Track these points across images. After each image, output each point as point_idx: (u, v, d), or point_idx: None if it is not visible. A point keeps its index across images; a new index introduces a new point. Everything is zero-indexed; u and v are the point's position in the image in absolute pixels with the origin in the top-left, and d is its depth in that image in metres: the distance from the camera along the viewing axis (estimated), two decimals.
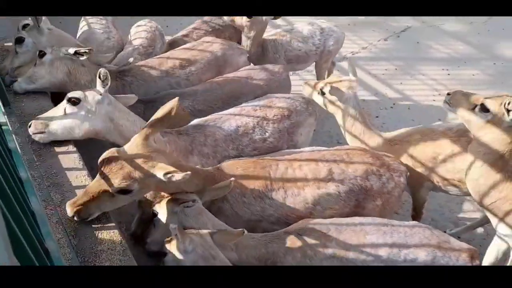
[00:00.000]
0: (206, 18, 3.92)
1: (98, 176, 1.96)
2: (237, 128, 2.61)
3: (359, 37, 5.55)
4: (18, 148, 2.20)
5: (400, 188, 2.41)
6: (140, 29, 3.89)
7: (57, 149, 2.51)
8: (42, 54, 2.74)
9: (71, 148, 2.53)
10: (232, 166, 2.34)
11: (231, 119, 2.64)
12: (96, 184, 1.95)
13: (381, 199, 2.35)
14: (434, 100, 4.48)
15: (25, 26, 3.02)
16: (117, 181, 1.89)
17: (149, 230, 2.28)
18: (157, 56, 3.32)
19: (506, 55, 5.13)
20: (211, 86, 3.05)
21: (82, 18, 3.98)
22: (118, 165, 1.90)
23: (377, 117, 4.28)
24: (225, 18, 3.61)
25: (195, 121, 2.68)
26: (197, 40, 3.61)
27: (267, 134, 2.66)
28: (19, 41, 2.97)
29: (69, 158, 2.44)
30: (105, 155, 1.94)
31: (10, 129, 2.44)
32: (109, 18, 4.04)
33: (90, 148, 2.59)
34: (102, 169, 1.93)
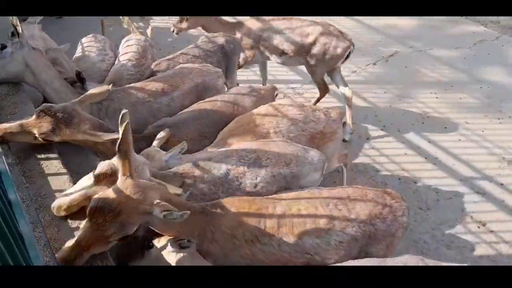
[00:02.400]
0: (198, 42, 3.96)
1: (88, 225, 1.81)
2: (227, 171, 2.47)
3: (348, 61, 5.64)
4: (8, 170, 2.16)
5: (403, 228, 2.32)
6: (130, 43, 3.94)
7: (47, 171, 2.47)
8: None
9: (61, 169, 2.50)
10: (227, 203, 2.23)
11: (222, 161, 2.50)
12: (88, 235, 1.80)
13: (385, 241, 2.25)
14: (423, 123, 4.55)
15: (13, 33, 3.00)
16: (116, 233, 1.79)
17: (134, 255, 2.22)
18: (139, 82, 3.31)
19: (491, 79, 5.25)
20: (200, 114, 3.04)
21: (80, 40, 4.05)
22: (114, 213, 1.77)
23: (368, 139, 4.32)
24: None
25: (187, 163, 2.55)
26: (183, 63, 3.63)
27: (258, 179, 2.48)
28: (2, 47, 2.96)
29: (59, 180, 2.40)
30: (94, 203, 1.80)
31: (0, 150, 2.41)
32: (107, 41, 4.09)
33: (80, 171, 2.56)
34: (94, 219, 1.78)
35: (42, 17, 3.30)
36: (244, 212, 2.19)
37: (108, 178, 2.09)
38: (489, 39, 6.12)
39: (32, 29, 3.20)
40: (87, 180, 2.18)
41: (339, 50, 4.03)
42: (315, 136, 2.87)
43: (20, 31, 2.89)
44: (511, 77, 5.28)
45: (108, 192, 1.84)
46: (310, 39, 4.01)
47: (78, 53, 3.94)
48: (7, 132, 2.42)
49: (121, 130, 1.87)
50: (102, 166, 2.13)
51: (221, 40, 3.90)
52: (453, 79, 5.29)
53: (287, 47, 4.07)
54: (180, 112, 3.11)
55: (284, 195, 2.37)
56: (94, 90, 2.65)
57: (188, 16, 4.02)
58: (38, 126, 2.40)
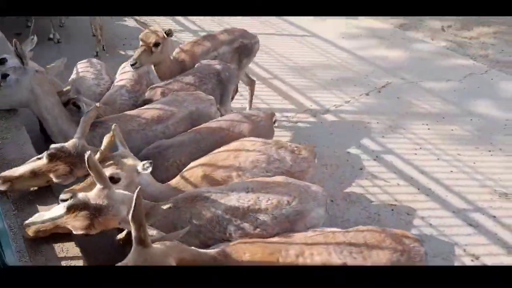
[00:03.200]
0: (192, 69, 3.99)
1: None
2: (225, 211, 2.38)
3: (341, 91, 5.74)
4: None
5: None
6: (127, 69, 4.00)
7: (36, 198, 2.43)
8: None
9: (51, 197, 2.45)
10: (239, 250, 2.13)
11: (221, 199, 2.42)
12: None
13: None
14: (415, 154, 4.58)
15: (1, 61, 2.99)
16: None
17: None
18: (134, 110, 3.34)
19: (481, 112, 5.34)
20: (195, 137, 3.07)
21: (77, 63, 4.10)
22: None
23: (361, 169, 4.33)
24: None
25: (184, 194, 2.51)
26: (178, 89, 3.67)
27: (258, 221, 2.38)
28: (3, 76, 2.93)
29: (48, 208, 2.36)
30: None
31: None
32: (104, 66, 4.16)
33: None
34: None
35: (34, 44, 3.31)
36: (258, 257, 2.11)
37: (80, 211, 2.03)
38: (478, 73, 6.26)
39: None
40: (60, 209, 2.10)
41: (258, 45, 4.67)
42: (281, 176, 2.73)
43: (25, 56, 2.90)
44: (501, 111, 5.38)
45: (127, 262, 1.75)
46: (237, 43, 4.45)
47: (73, 76, 3.98)
48: (18, 180, 2.33)
49: (133, 201, 1.72)
50: (76, 199, 2.06)
51: (217, 67, 3.95)
52: (444, 111, 5.38)
53: (229, 57, 4.43)
54: (177, 136, 3.13)
55: (297, 236, 2.27)
56: (85, 117, 2.60)
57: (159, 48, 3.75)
58: (54, 170, 2.34)
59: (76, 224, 2.04)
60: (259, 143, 2.87)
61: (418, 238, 2.34)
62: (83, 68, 4.05)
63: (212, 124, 3.24)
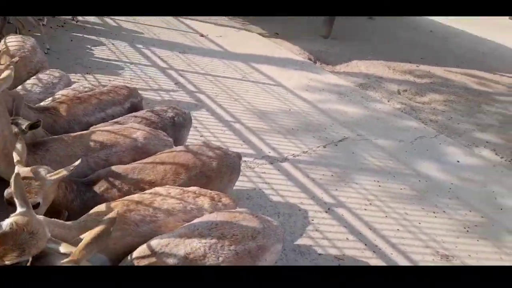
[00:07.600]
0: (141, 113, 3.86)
1: None
2: (186, 255, 2.30)
3: (300, 141, 5.88)
4: None
5: None
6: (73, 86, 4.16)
7: None
8: None
9: None
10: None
11: (180, 244, 2.33)
12: None
13: None
14: (365, 209, 4.71)
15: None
16: None
17: None
18: (78, 133, 3.28)
19: (429, 174, 5.62)
20: (154, 167, 3.03)
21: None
22: None
23: (312, 220, 4.37)
24: None
25: (143, 247, 2.36)
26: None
27: (220, 259, 2.33)
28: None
29: None
30: None
31: None
32: (65, 78, 4.26)
33: None
34: None
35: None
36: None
37: None
38: (428, 136, 6.65)
39: None
40: None
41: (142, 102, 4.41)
42: None
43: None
44: (446, 174, 5.70)
45: None
46: (129, 103, 4.14)
47: (28, 83, 4.04)
48: None
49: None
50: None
51: (170, 113, 3.92)
52: (395, 170, 5.62)
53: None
54: (138, 162, 3.08)
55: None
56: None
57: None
58: None
59: None
60: (176, 191, 2.77)
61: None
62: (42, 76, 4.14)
63: (178, 154, 3.16)
